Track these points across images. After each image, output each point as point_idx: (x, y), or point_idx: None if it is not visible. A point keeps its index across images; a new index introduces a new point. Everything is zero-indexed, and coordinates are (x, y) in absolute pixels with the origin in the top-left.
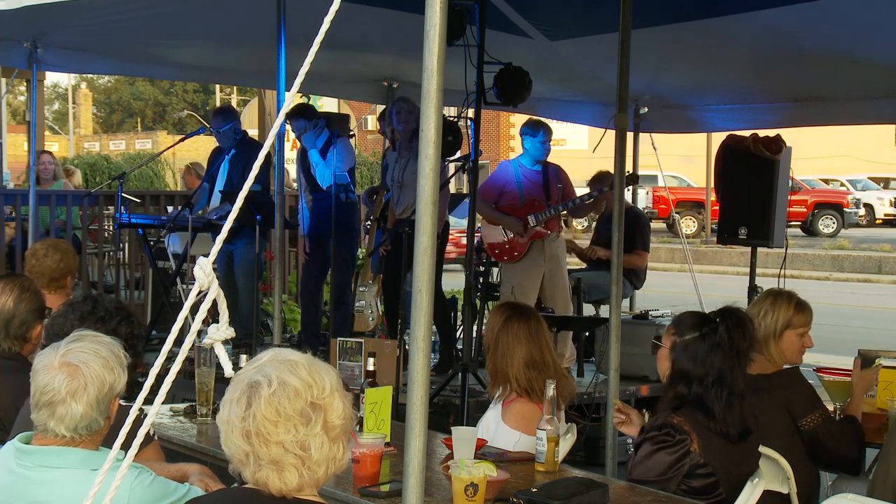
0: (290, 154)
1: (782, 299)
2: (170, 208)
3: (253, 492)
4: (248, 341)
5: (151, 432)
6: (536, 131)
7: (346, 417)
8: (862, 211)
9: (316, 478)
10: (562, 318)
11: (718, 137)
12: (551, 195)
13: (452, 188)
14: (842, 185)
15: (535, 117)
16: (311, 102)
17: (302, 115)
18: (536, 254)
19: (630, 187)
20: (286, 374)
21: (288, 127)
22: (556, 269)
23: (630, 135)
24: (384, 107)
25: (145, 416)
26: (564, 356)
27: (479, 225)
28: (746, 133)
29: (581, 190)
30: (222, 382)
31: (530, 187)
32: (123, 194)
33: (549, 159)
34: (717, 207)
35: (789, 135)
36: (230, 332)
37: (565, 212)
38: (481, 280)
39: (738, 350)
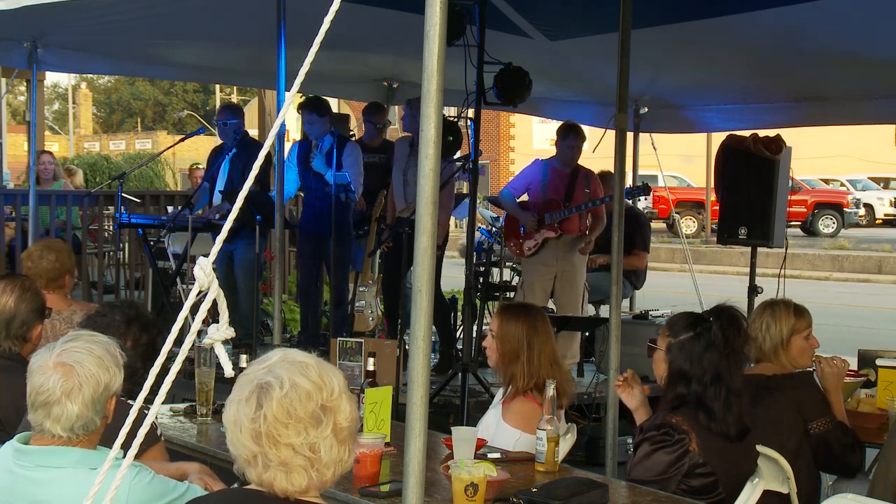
0: None
1: (780, 308)
2: (170, 208)
3: (255, 493)
4: (248, 341)
5: (158, 433)
6: (566, 136)
7: (353, 419)
8: (862, 211)
9: (324, 480)
10: (561, 318)
11: (718, 137)
12: (574, 198)
13: None
14: (842, 185)
15: (570, 121)
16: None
17: (315, 111)
18: (548, 253)
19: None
20: (297, 375)
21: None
22: (568, 272)
23: (630, 135)
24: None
25: (146, 415)
26: (567, 356)
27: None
28: (746, 133)
29: None
30: (222, 382)
31: (554, 187)
32: (123, 194)
33: (546, 157)
34: (717, 207)
35: (789, 135)
36: (230, 332)
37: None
38: (481, 280)
39: (733, 348)
